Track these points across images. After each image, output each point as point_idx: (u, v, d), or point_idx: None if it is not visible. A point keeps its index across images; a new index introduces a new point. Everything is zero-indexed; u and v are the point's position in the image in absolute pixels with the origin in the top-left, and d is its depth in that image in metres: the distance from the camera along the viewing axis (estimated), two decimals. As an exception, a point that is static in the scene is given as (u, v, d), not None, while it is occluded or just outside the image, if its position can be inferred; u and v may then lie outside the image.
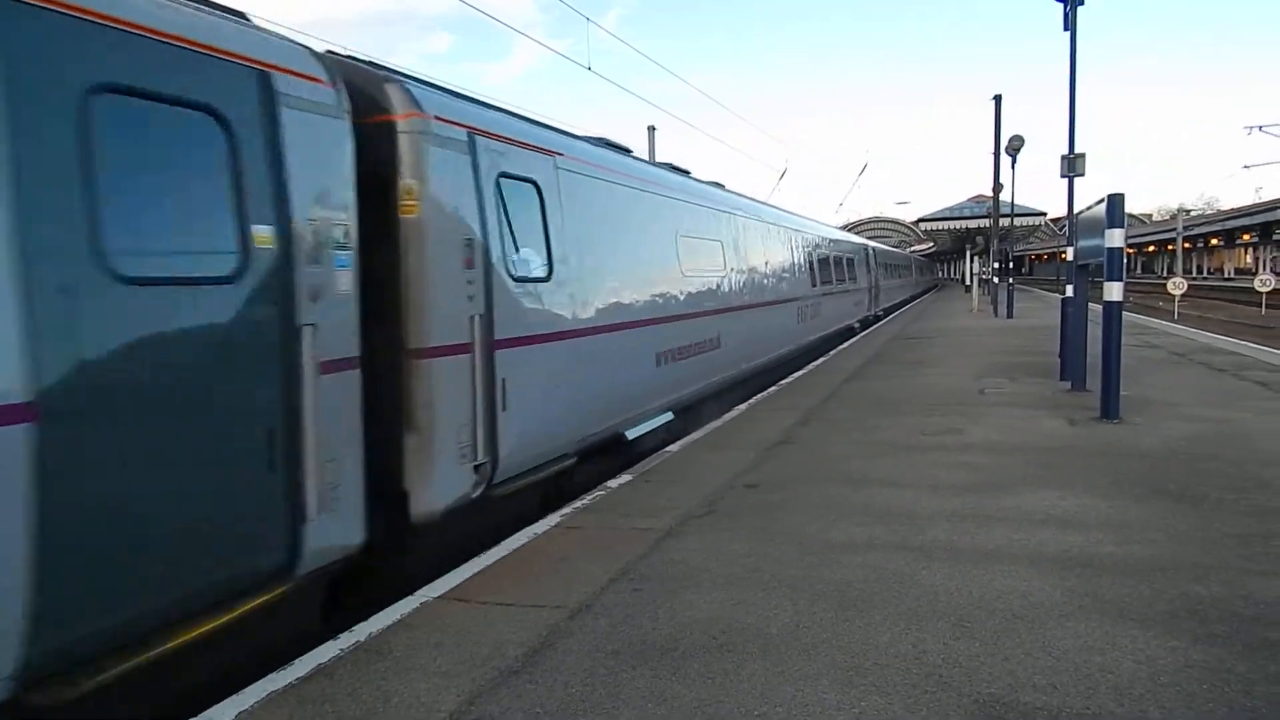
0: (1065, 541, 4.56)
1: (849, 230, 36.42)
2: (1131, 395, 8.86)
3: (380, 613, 3.96)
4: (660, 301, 8.22)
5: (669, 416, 8.25)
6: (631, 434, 7.40)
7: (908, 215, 68.21)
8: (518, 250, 5.58)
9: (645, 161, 9.29)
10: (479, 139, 5.22)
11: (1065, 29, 14.06)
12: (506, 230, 5.43)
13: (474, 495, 5.00)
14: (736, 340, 10.70)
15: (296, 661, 3.46)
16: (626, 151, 8.86)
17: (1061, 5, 14.18)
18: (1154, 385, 10.23)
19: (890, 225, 74.29)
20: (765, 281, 12.64)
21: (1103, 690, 2.98)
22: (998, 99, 27.95)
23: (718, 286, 10.24)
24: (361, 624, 3.83)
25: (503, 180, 5.46)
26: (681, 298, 8.83)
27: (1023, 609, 3.71)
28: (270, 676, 3.33)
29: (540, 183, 5.97)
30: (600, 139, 8.27)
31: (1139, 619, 3.56)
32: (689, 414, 9.08)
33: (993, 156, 28.20)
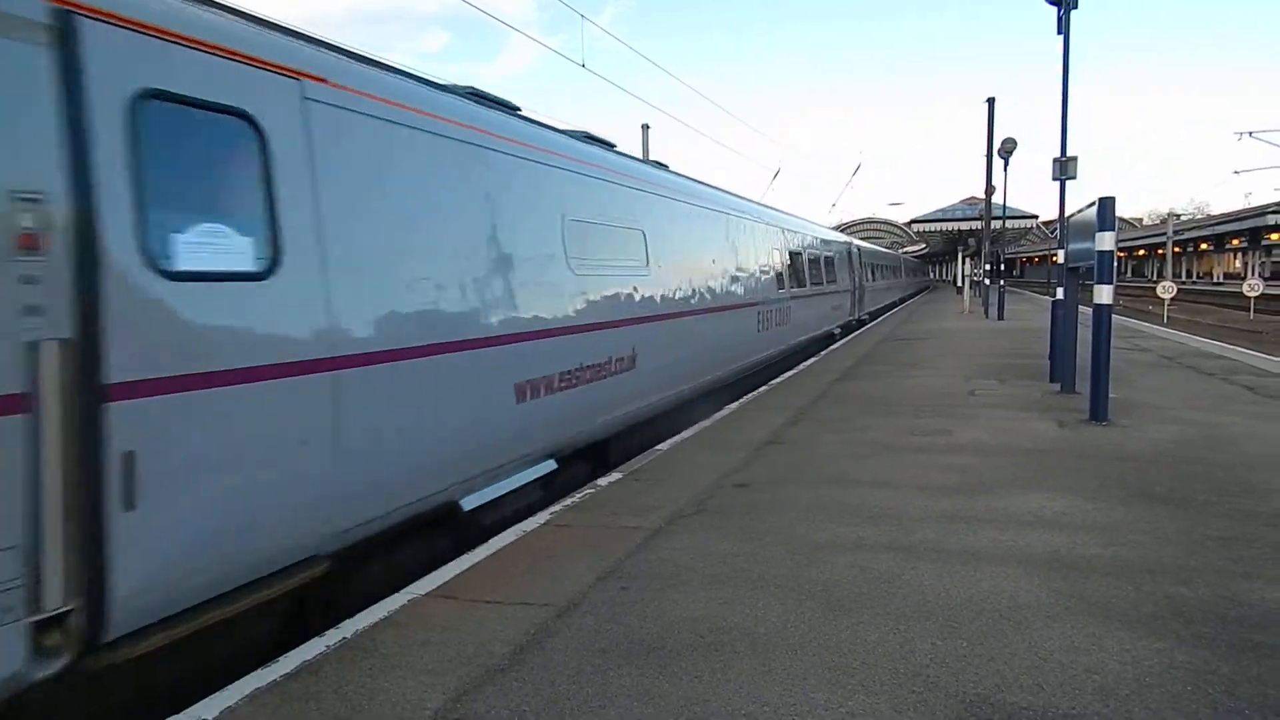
0: (1052, 543, 4.58)
1: (842, 230, 36.29)
2: (1120, 398, 8.91)
3: (367, 610, 3.94)
4: (527, 311, 5.82)
5: (548, 467, 6.14)
6: (471, 503, 5.21)
7: (900, 216, 68.55)
8: (188, 226, 3.41)
9: (531, 121, 6.92)
10: (87, 23, 3.04)
11: (1059, 32, 14.12)
12: (157, 190, 3.24)
13: (40, 676, 2.88)
14: (664, 358, 8.48)
15: (282, 658, 3.44)
16: (510, 109, 6.54)
17: (1055, 9, 14.24)
18: (1143, 388, 10.28)
19: (883, 226, 74.46)
20: (712, 283, 10.34)
21: (1088, 691, 2.99)
22: (991, 101, 28.06)
23: (634, 289, 7.81)
24: (348, 620, 3.81)
25: (151, 104, 3.26)
26: (569, 304, 6.47)
27: (1010, 609, 3.72)
28: (255, 673, 3.31)
29: (261, 118, 3.75)
30: (470, 90, 6.11)
31: (1125, 620, 3.58)
32: (592, 456, 7.21)
33: (985, 159, 28.35)
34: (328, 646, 3.54)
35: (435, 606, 3.98)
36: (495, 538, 5.02)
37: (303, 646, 3.55)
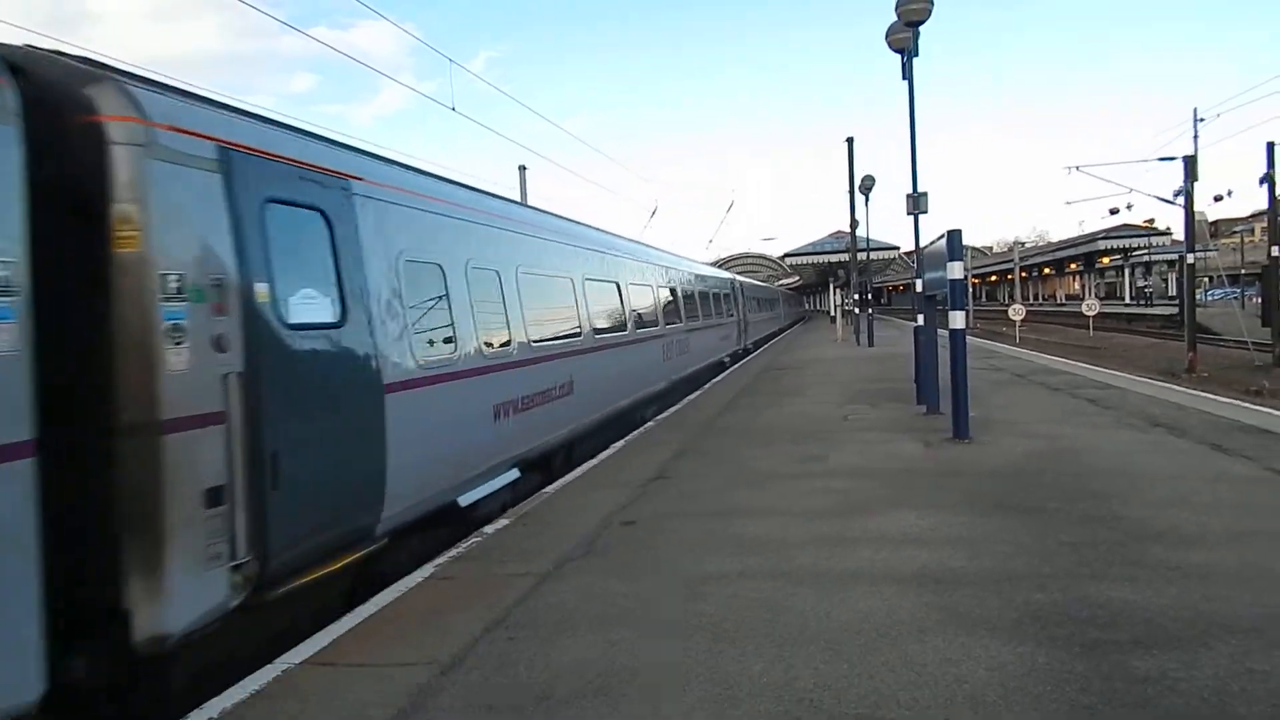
0: (922, 559, 4.80)
1: (721, 266, 36.74)
2: (979, 416, 9.49)
3: (236, 685, 3.69)
4: None
5: None
6: None
7: (774, 250, 71.10)
8: None
9: None
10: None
11: (903, 78, 15.11)
12: None
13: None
14: None
15: (138, 747, 3.17)
16: None
17: (900, 56, 15.26)
18: (999, 405, 11.00)
19: (759, 260, 77.00)
20: None
21: (959, 700, 3.14)
22: (850, 141, 29.68)
23: None
24: (214, 699, 3.56)
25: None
26: None
27: (886, 627, 3.87)
28: (107, 767, 3.04)
29: None
30: None
31: (990, 628, 3.78)
32: None
33: (848, 195, 29.87)
34: (190, 730, 3.29)
35: (310, 675, 3.77)
36: (376, 596, 4.82)
37: (162, 732, 3.29)
